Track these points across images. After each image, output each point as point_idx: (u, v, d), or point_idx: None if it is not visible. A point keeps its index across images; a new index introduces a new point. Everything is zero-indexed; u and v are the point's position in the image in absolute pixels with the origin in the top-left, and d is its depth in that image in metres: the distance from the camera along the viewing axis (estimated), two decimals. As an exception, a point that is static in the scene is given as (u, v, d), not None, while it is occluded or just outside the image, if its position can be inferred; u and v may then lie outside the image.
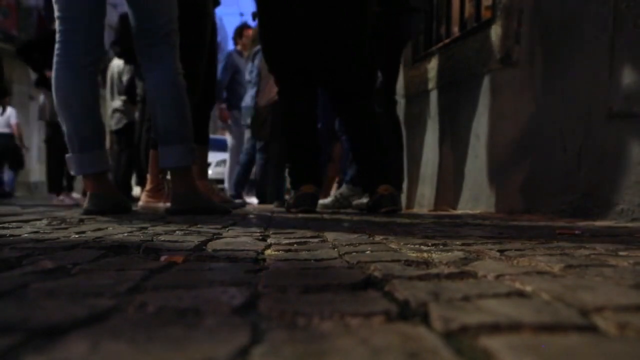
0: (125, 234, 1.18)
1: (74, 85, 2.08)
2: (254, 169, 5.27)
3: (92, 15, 2.10)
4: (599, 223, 1.70)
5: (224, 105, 5.62)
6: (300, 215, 2.23)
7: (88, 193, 2.17)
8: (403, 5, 3.02)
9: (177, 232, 1.24)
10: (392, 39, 3.03)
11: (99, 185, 2.14)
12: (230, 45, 6.16)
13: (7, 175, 8.84)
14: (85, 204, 2.12)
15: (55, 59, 2.10)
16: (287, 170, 3.03)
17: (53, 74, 2.11)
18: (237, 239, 1.09)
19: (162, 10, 2.15)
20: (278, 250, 0.91)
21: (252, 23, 5.10)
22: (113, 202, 2.15)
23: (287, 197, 3.68)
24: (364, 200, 3.04)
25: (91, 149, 2.11)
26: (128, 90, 5.19)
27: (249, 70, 5.05)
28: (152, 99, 2.20)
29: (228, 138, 5.70)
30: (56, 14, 2.09)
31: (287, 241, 1.05)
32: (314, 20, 2.44)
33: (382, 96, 3.02)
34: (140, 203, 2.91)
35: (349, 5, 2.45)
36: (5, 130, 8.06)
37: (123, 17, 3.83)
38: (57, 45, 2.09)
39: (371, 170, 2.54)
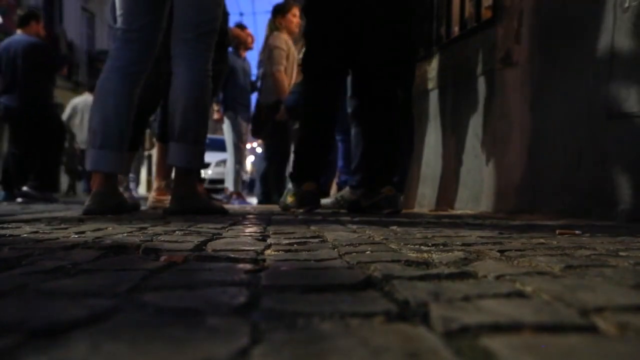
0: (125, 234, 1.18)
1: (115, 87, 2.16)
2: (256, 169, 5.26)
3: (151, 31, 2.21)
4: (599, 223, 1.70)
5: (217, 107, 5.60)
6: (300, 215, 2.22)
7: (92, 191, 2.17)
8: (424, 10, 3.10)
9: (177, 232, 1.24)
10: (412, 43, 3.08)
11: (106, 185, 2.15)
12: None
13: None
14: (87, 202, 2.13)
15: (107, 61, 2.21)
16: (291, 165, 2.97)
17: (102, 74, 2.21)
18: (237, 239, 1.09)
19: (209, 8, 2.19)
20: (278, 251, 0.91)
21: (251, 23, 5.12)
22: (115, 202, 2.16)
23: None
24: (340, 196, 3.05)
25: (111, 148, 2.15)
26: None
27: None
28: (176, 96, 2.20)
29: (226, 138, 5.67)
30: (118, 25, 2.21)
31: (287, 241, 1.05)
32: (362, 5, 2.44)
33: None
34: (151, 200, 2.92)
35: None
36: None
37: None
38: (112, 52, 2.22)
39: (380, 167, 2.51)
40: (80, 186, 11.82)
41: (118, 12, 2.21)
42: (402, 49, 2.56)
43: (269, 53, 4.82)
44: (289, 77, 4.81)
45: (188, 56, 2.18)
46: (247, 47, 5.65)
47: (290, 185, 2.59)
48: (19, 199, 4.85)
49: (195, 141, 2.21)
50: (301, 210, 2.39)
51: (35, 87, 4.87)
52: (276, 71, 4.72)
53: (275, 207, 3.42)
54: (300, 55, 4.47)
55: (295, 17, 4.93)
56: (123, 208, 2.19)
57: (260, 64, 5.11)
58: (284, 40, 4.83)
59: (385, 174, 2.50)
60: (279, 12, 4.87)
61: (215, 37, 2.25)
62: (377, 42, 2.48)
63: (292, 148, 5.22)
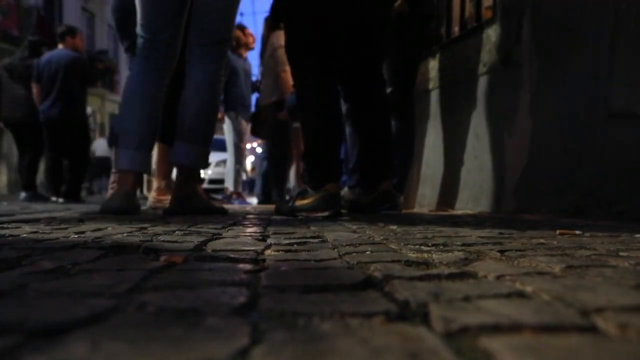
0: (125, 234, 1.18)
1: (150, 91, 2.24)
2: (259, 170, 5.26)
3: (175, 38, 2.30)
4: (599, 223, 1.70)
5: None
6: (300, 215, 2.20)
7: (118, 190, 2.17)
8: (428, 11, 3.07)
9: (176, 232, 1.24)
10: (414, 44, 3.03)
11: (135, 185, 2.23)
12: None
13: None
14: (116, 201, 2.13)
15: (135, 67, 2.28)
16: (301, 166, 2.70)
17: (130, 78, 2.29)
18: (237, 239, 1.09)
19: (225, 18, 2.29)
20: (278, 251, 0.91)
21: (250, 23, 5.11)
22: (137, 202, 2.23)
23: (289, 197, 3.59)
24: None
25: (145, 149, 2.23)
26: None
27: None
28: (189, 97, 2.28)
29: (226, 138, 5.68)
30: (140, 32, 2.28)
31: (287, 241, 1.05)
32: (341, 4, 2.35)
33: (403, 102, 3.04)
34: (151, 200, 2.93)
35: None
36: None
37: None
38: (139, 59, 2.28)
39: (377, 163, 2.44)
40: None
41: (140, 21, 2.27)
42: (378, 51, 2.51)
43: (271, 52, 4.81)
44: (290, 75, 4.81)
45: (203, 61, 2.27)
46: (249, 47, 5.65)
47: (302, 188, 2.35)
48: (54, 198, 5.33)
49: (202, 142, 2.28)
50: (323, 214, 2.11)
51: (72, 97, 5.37)
52: (282, 71, 4.72)
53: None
54: None
55: None
56: (139, 209, 2.26)
57: (262, 62, 5.10)
58: None
59: (382, 170, 2.46)
60: None
61: (229, 45, 2.35)
62: (354, 46, 2.42)
63: (294, 148, 5.25)
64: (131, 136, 2.20)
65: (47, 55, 5.45)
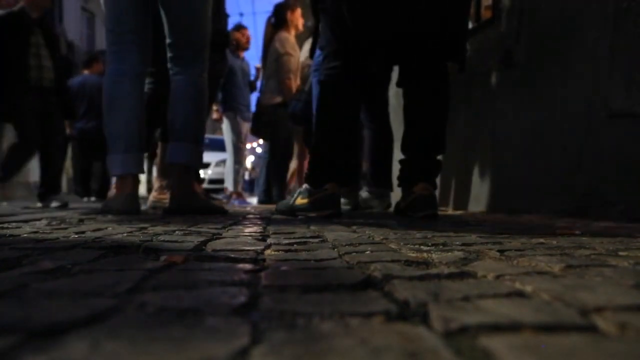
0: (125, 234, 1.18)
1: (129, 90, 2.23)
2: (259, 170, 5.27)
3: (147, 32, 2.29)
4: (599, 223, 1.70)
5: (217, 107, 5.59)
6: (300, 215, 2.20)
7: (121, 194, 2.18)
8: None
9: (176, 232, 1.24)
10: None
11: (135, 186, 2.23)
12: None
13: None
14: (122, 203, 2.14)
15: (110, 65, 2.25)
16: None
17: (107, 79, 2.26)
18: (237, 239, 1.09)
19: (202, 27, 2.31)
20: (278, 251, 0.91)
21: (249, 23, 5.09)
22: (137, 203, 2.23)
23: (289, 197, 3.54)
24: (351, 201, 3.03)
25: (135, 150, 2.22)
26: None
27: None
28: (176, 98, 2.30)
29: (225, 138, 5.67)
30: (106, 24, 2.27)
31: (287, 241, 1.05)
32: None
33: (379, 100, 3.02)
34: (151, 200, 2.95)
35: None
36: None
37: None
38: (111, 56, 2.25)
39: (417, 160, 2.17)
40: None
41: (105, 10, 2.25)
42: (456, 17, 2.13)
43: (276, 57, 4.79)
44: (294, 81, 4.80)
45: (186, 67, 2.30)
46: (244, 48, 5.66)
47: (303, 187, 2.22)
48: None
49: (194, 140, 2.29)
50: (314, 214, 2.06)
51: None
52: (287, 78, 4.73)
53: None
54: (308, 47, 4.43)
55: (300, 15, 4.93)
56: (140, 210, 2.28)
57: (264, 64, 5.09)
58: (292, 44, 4.80)
59: (423, 165, 2.16)
60: (287, 8, 4.82)
61: (208, 49, 2.37)
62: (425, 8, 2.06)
63: (295, 148, 5.25)
64: (118, 139, 2.19)
65: (78, 79, 6.37)
